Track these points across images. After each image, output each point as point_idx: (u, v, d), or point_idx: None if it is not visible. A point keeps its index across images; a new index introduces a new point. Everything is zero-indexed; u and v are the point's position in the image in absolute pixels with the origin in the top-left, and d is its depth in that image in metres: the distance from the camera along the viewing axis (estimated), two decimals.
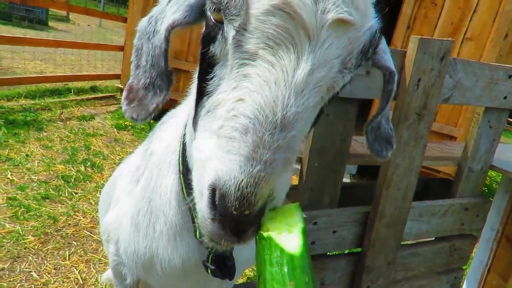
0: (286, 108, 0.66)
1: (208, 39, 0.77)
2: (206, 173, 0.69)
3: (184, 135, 1.07)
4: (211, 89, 0.77)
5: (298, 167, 1.44)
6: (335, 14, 0.66)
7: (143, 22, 0.90)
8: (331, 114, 1.38)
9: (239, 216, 0.66)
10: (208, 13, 0.76)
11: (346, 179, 5.35)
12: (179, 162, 1.08)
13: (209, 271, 1.04)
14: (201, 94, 0.80)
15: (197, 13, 0.84)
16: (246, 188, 0.64)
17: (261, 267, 0.72)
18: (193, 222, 1.07)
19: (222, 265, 1.04)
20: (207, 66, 0.79)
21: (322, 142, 1.40)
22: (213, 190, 0.68)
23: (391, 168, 1.47)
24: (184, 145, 1.07)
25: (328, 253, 1.57)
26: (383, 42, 0.97)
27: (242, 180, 0.64)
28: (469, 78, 1.51)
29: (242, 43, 0.69)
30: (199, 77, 0.84)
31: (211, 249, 1.05)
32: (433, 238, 1.87)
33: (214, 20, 0.74)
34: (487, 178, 5.71)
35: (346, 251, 1.76)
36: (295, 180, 1.59)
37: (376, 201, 1.52)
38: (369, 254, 1.56)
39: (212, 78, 0.77)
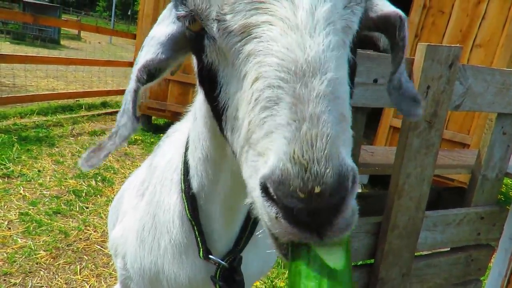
0: (306, 50, 0.57)
1: (199, 54, 0.74)
2: (257, 176, 0.58)
3: (186, 152, 1.07)
4: (223, 102, 0.71)
5: None
6: None
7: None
8: None
9: (308, 199, 0.51)
10: (188, 32, 0.75)
11: (358, 189, 5.28)
12: (181, 181, 1.07)
13: (217, 286, 1.02)
14: (219, 116, 0.74)
15: (170, 48, 0.85)
16: (303, 156, 0.51)
17: (295, 279, 0.62)
18: (197, 241, 1.06)
19: (231, 281, 1.03)
20: (212, 84, 0.74)
21: None
22: (264, 186, 0.55)
23: (402, 177, 1.44)
24: (186, 164, 1.06)
25: None
26: None
27: (294, 150, 0.51)
28: (480, 84, 1.49)
29: (229, 28, 0.64)
30: (209, 102, 0.79)
31: (219, 264, 1.03)
32: (449, 249, 1.82)
33: (195, 31, 0.72)
34: (503, 185, 5.59)
35: (359, 263, 1.72)
36: None
37: (387, 211, 1.49)
38: (383, 266, 1.52)
39: (220, 89, 0.72)
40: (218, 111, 0.74)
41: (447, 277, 1.79)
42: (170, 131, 1.33)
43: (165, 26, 0.87)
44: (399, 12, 0.90)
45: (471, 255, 1.80)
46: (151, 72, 0.86)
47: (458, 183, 4.86)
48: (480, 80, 1.49)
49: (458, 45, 1.37)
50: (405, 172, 1.44)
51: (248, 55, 0.62)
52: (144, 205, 1.23)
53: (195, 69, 0.82)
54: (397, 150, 1.46)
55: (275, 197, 0.54)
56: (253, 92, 0.60)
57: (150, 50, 0.85)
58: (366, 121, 1.46)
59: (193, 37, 0.74)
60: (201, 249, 1.04)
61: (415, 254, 1.62)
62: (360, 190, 5.32)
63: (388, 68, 1.35)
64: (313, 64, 0.56)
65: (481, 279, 1.92)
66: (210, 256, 1.04)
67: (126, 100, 0.88)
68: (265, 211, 0.57)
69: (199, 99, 0.96)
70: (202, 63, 0.75)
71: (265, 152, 0.56)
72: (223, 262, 1.03)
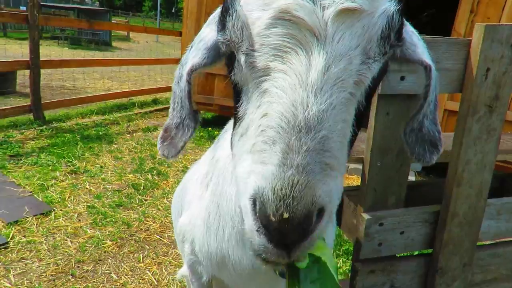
0: (307, 109, 0.66)
1: (229, 70, 0.83)
2: (247, 188, 0.71)
3: None
4: (241, 115, 0.81)
5: (359, 167, 1.42)
6: (336, 6, 0.67)
7: (177, 70, 0.99)
8: (391, 112, 1.34)
9: (280, 222, 0.64)
10: (223, 49, 0.82)
11: (411, 177, 5.09)
12: None
13: (277, 272, 1.07)
14: (236, 121, 0.85)
15: (215, 54, 0.91)
16: (281, 190, 0.63)
17: None
18: None
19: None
20: (236, 94, 0.84)
21: (383, 141, 1.37)
22: (254, 201, 0.68)
23: (461, 165, 1.39)
24: None
25: (396, 255, 1.52)
26: (415, 34, 0.93)
27: (276, 183, 0.64)
28: None
29: (254, 64, 0.73)
30: (233, 107, 0.89)
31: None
32: None
33: (229, 52, 0.81)
34: None
35: (416, 253, 1.69)
36: (357, 181, 1.57)
37: (446, 200, 1.44)
38: (442, 256, 1.48)
39: (241, 104, 0.82)
40: (236, 116, 0.84)
41: None
42: (228, 125, 1.39)
43: (214, 30, 0.91)
44: (425, 61, 0.91)
45: None
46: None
47: None
48: None
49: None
50: (464, 159, 1.39)
51: (264, 91, 0.72)
52: (209, 195, 1.31)
53: (229, 76, 0.90)
54: (455, 136, 1.40)
55: (257, 214, 0.67)
56: (261, 124, 0.71)
57: (198, 53, 0.92)
58: None
59: (227, 55, 0.84)
60: None
61: (478, 243, 1.55)
62: (413, 179, 5.12)
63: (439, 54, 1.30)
64: (309, 122, 0.66)
65: None
66: None
67: (181, 101, 0.95)
68: (251, 223, 0.70)
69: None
70: (230, 78, 0.84)
71: (259, 171, 0.68)
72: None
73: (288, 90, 0.67)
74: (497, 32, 1.24)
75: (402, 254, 1.56)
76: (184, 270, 1.75)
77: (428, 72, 0.93)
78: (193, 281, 1.55)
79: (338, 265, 3.23)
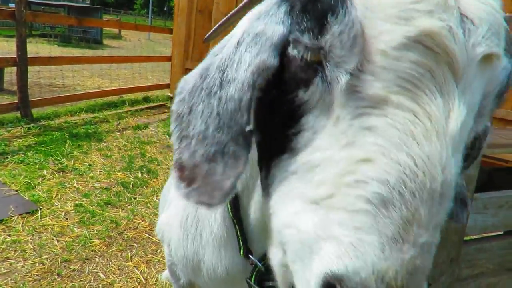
0: (445, 170, 0.49)
1: (297, 83, 0.59)
2: (317, 259, 0.51)
3: None
4: (296, 146, 0.60)
5: None
6: (487, 48, 0.53)
7: (190, 79, 0.72)
8: None
9: None
10: (300, 54, 0.58)
11: None
12: None
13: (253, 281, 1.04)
14: (276, 151, 0.63)
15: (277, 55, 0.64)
16: (396, 280, 0.46)
17: None
18: (238, 239, 1.04)
19: (264, 285, 1.03)
20: (286, 117, 0.61)
21: None
22: (329, 285, 0.48)
23: None
24: None
25: None
26: None
27: (388, 268, 0.46)
28: None
29: (358, 89, 0.53)
30: (262, 132, 0.66)
31: (255, 266, 1.02)
32: (502, 232, 1.73)
33: (310, 60, 0.58)
34: None
35: None
36: None
37: None
38: None
39: (299, 132, 0.59)
40: (279, 144, 0.62)
41: (500, 262, 1.70)
42: None
43: (274, 23, 0.64)
44: (488, 131, 0.75)
45: None
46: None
47: None
48: None
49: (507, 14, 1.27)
50: None
51: (368, 128, 0.52)
52: None
53: (265, 81, 0.63)
54: None
55: None
56: (354, 170, 0.51)
57: (262, 49, 0.63)
58: None
59: (302, 62, 0.59)
60: (241, 248, 1.03)
61: (465, 238, 1.55)
62: None
63: None
64: (445, 190, 0.49)
65: None
66: (250, 256, 1.04)
67: (224, 118, 0.64)
68: None
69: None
70: (290, 93, 0.60)
71: (354, 235, 0.49)
72: (260, 264, 1.02)
73: (421, 138, 0.49)
74: None
75: None
76: (166, 272, 1.71)
77: (482, 139, 0.76)
78: (173, 282, 1.52)
79: None
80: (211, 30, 0.97)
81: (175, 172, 0.68)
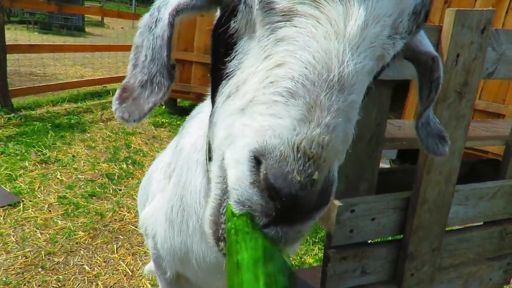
0: (343, 64, 0.56)
1: (228, 15, 0.69)
2: (242, 139, 0.60)
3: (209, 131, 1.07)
4: (230, 71, 0.68)
5: None
6: None
7: (145, 17, 0.82)
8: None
9: (304, 185, 0.53)
10: None
11: (386, 165, 5.19)
12: (206, 161, 1.08)
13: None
14: (218, 81, 0.72)
15: None
16: (310, 149, 0.53)
17: (231, 270, 0.65)
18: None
19: None
20: (225, 48, 0.71)
21: (355, 128, 1.36)
22: (256, 159, 0.57)
23: None
24: (209, 143, 1.06)
25: (368, 241, 1.53)
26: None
27: (301, 142, 0.54)
28: None
29: (272, 5, 0.61)
30: (213, 64, 0.76)
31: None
32: (482, 223, 1.77)
33: None
34: None
35: (388, 239, 1.71)
36: None
37: (416, 186, 1.46)
38: (412, 241, 1.50)
39: (232, 58, 0.69)
40: (221, 74, 0.71)
41: (480, 251, 1.75)
42: (194, 112, 1.33)
43: None
44: (433, 53, 0.85)
45: (506, 229, 1.75)
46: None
47: (493, 156, 4.67)
48: None
49: (491, 8, 1.29)
50: None
51: (281, 39, 0.60)
52: (171, 187, 1.25)
53: (214, 25, 0.75)
54: None
55: (265, 172, 0.56)
56: (270, 75, 0.59)
57: None
58: (394, 95, 1.41)
59: None
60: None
61: (446, 229, 1.59)
62: (388, 166, 5.22)
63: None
64: (344, 80, 0.56)
65: None
66: None
67: (154, 52, 0.77)
68: (244, 172, 0.58)
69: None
70: (226, 25, 0.70)
71: (270, 120, 0.57)
72: None
73: (321, 38, 0.56)
74: (468, 17, 1.24)
75: (373, 241, 1.57)
76: (151, 265, 1.70)
77: (436, 63, 0.86)
78: (159, 275, 1.52)
79: (314, 252, 3.26)
80: None
81: (117, 91, 0.80)
